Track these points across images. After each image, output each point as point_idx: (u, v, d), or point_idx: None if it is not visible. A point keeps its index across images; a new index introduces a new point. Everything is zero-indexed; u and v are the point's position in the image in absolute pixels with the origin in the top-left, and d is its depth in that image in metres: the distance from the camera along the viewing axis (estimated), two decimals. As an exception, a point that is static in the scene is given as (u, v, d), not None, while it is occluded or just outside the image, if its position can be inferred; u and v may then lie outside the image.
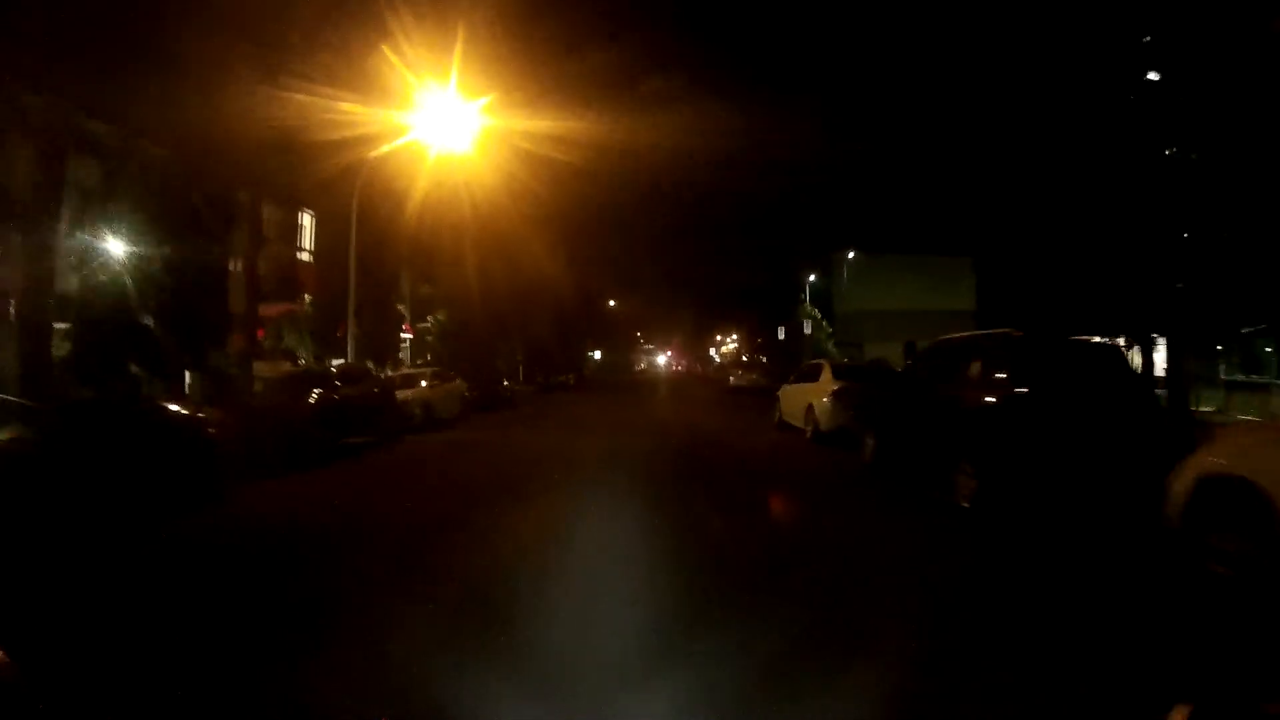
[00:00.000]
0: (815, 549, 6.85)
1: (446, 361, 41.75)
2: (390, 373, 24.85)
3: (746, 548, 6.81)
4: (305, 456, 12.79)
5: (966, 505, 8.27)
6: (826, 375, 14.65)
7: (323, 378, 15.35)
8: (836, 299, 60.72)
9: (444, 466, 12.77)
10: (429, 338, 46.84)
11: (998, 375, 8.50)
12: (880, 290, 58.09)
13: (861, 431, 11.82)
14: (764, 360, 68.67)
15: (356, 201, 24.98)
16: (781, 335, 56.35)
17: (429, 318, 46.50)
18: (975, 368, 8.95)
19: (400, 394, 18.72)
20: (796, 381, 16.44)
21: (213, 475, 10.86)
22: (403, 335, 45.09)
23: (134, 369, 22.09)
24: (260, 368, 26.24)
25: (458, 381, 22.26)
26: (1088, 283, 41.77)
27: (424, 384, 20.10)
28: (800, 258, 64.51)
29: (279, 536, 7.69)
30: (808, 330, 48.66)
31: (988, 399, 8.42)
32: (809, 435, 14.55)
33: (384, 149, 24.00)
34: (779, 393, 17.54)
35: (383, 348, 31.92)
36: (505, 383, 30.92)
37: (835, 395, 13.76)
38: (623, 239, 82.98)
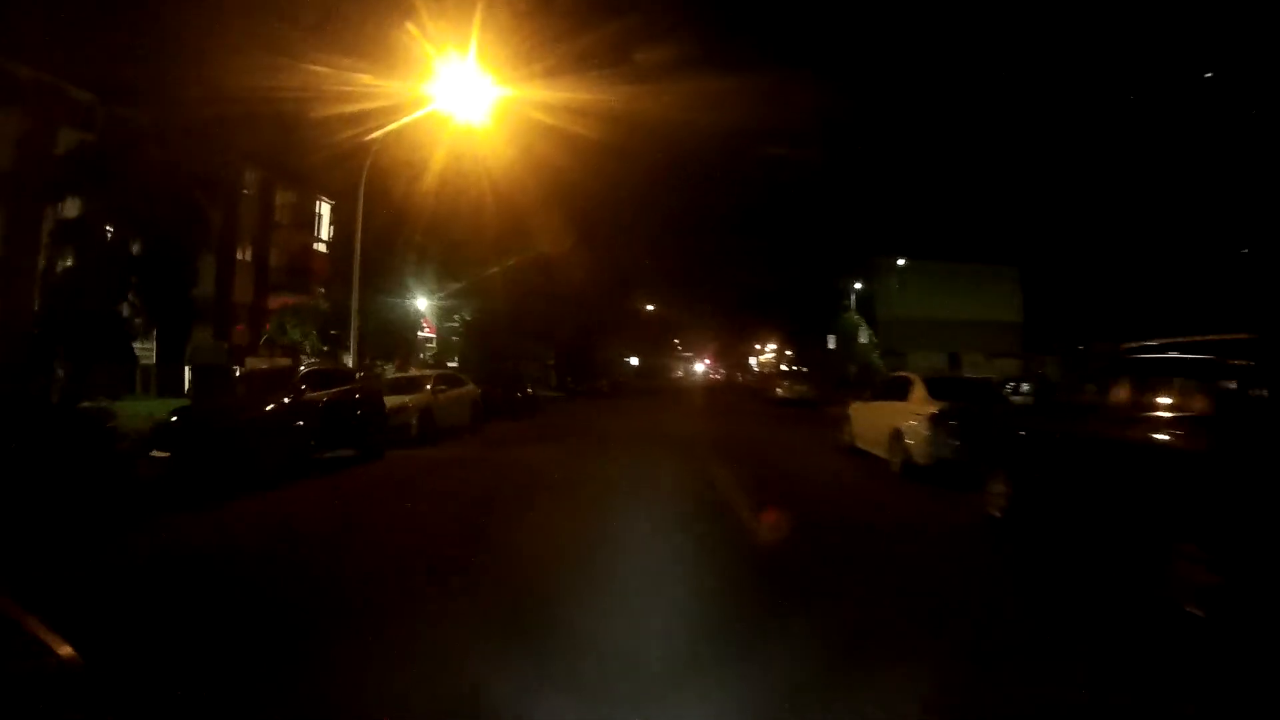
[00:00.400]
0: (970, 674, 3.89)
1: (474, 364, 39.28)
2: (394, 373, 22.04)
3: (848, 678, 3.77)
4: (252, 477, 10.02)
5: (1197, 611, 5.11)
6: (920, 392, 11.42)
7: (283, 378, 12.48)
8: (880, 307, 57.67)
9: (414, 501, 9.68)
10: (455, 338, 44.26)
11: (1257, 408, 5.32)
12: (923, 299, 55.45)
13: (981, 470, 8.64)
14: (804, 370, 65.34)
15: (364, 183, 22.27)
16: (832, 344, 52.99)
17: (455, 317, 43.99)
18: (1204, 395, 5.76)
19: (395, 400, 15.88)
20: (875, 398, 13.20)
21: (108, 497, 8.35)
22: (424, 335, 42.50)
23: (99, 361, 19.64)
24: (255, 364, 23.59)
25: (469, 386, 19.36)
26: (1147, 293, 38.84)
27: (427, 388, 17.19)
28: (842, 264, 61.70)
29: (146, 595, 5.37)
30: (863, 339, 45.28)
31: (1240, 446, 5.24)
32: (895, 468, 11.33)
33: (394, 125, 21.20)
34: (848, 410, 14.33)
35: (396, 346, 29.17)
36: (529, 389, 27.90)
37: (937, 419, 10.53)
38: (659, 240, 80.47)
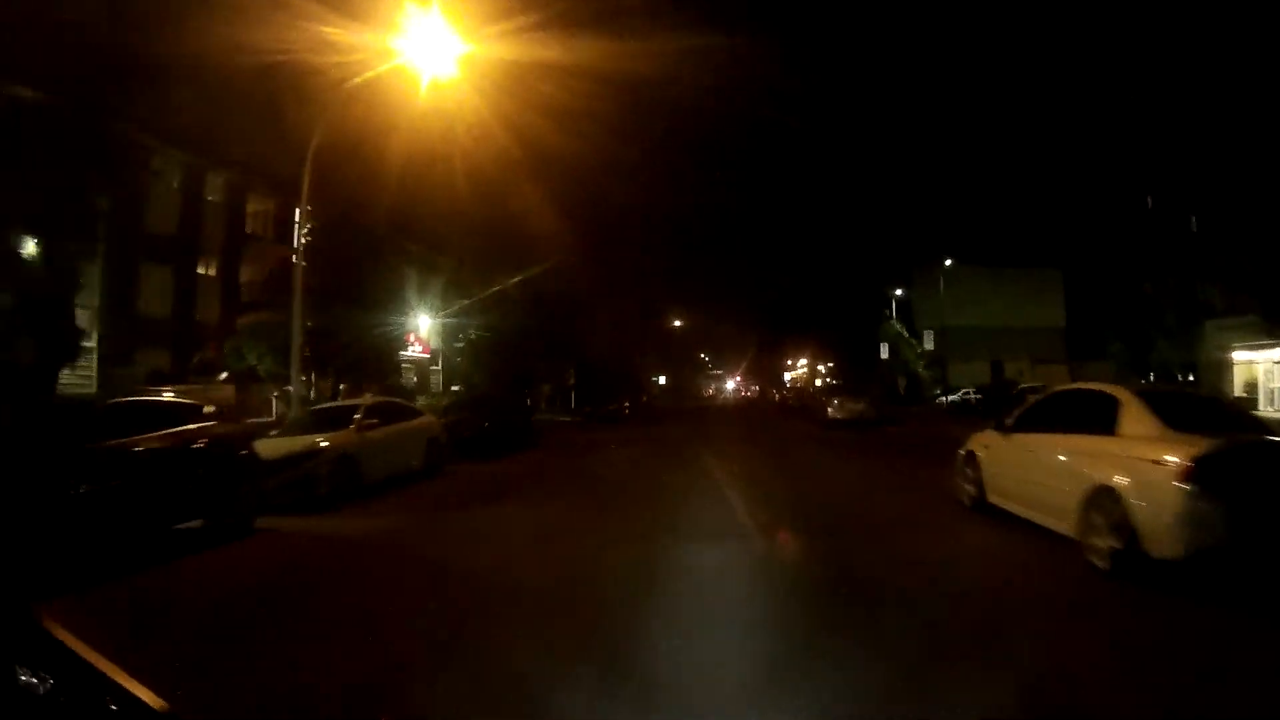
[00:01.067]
0: None
1: (481, 386, 34.63)
2: (342, 400, 17.21)
3: None
4: None
5: None
6: (1143, 419, 6.25)
7: (65, 419, 7.75)
8: (920, 315, 53.73)
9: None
10: (459, 360, 39.76)
11: None
12: (963, 305, 51.60)
13: None
14: (842, 383, 60.10)
15: (310, 163, 17.75)
16: (886, 353, 47.97)
17: (460, 335, 39.56)
18: None
19: (301, 442, 11.16)
20: (1029, 428, 7.98)
21: None
22: (417, 354, 37.94)
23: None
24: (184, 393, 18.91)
25: (423, 418, 14.40)
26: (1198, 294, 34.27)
27: (354, 420, 12.23)
28: (881, 270, 57.54)
29: None
30: (929, 345, 40.43)
31: None
32: (1099, 559, 6.13)
33: (362, 78, 16.66)
34: (971, 446, 9.14)
35: (370, 369, 24.38)
36: (527, 416, 22.91)
37: (1204, 474, 5.44)
38: (685, 251, 76.49)
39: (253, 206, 31.83)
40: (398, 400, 15.77)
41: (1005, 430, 8.29)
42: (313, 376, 25.79)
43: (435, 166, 27.35)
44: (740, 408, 58.64)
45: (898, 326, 54.72)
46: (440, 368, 42.91)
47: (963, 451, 9.38)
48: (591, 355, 49.93)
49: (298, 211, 18.09)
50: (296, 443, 11.27)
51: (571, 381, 50.89)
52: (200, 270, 29.51)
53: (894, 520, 8.82)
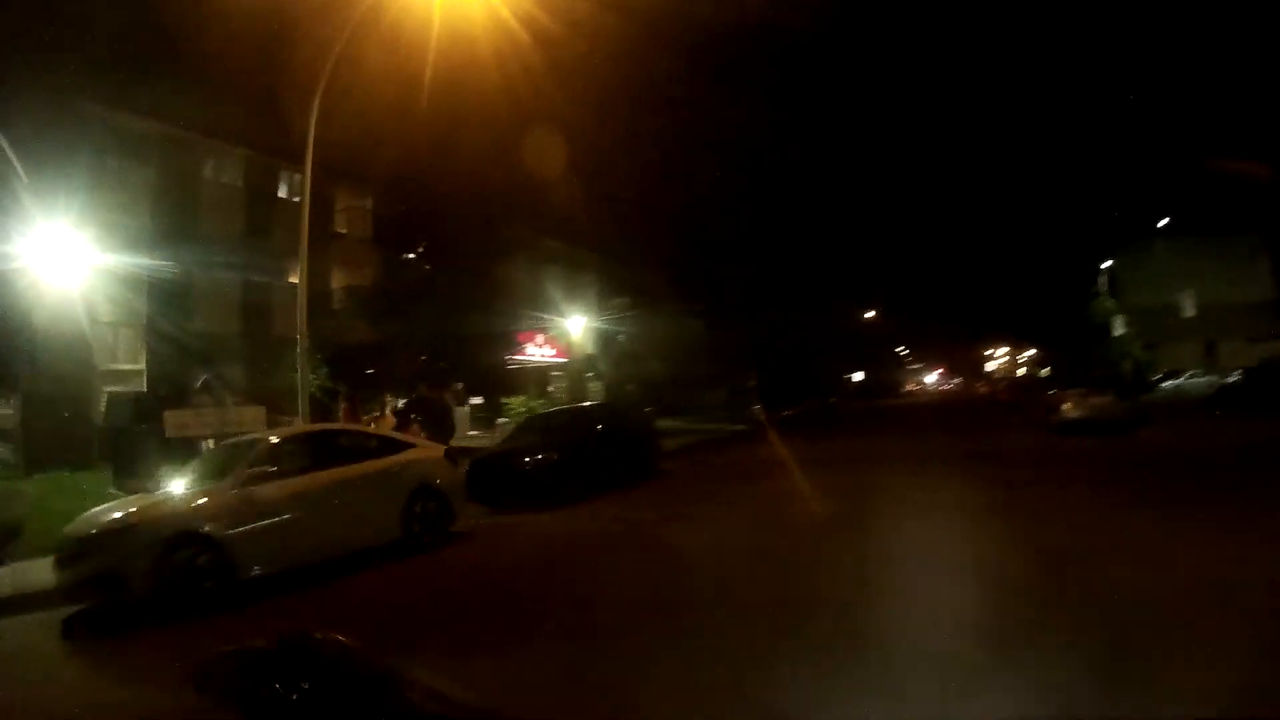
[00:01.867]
0: None
1: (635, 395, 30.25)
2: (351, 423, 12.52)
3: None
4: None
5: None
6: None
7: None
8: (1129, 291, 47.38)
9: None
10: (602, 370, 35.37)
11: None
12: (1168, 278, 44.92)
13: None
14: (1051, 371, 51.89)
15: (319, 100, 14.07)
16: (1120, 329, 40.35)
17: (613, 340, 35.48)
18: None
19: (115, 511, 6.59)
20: None
21: None
22: (538, 358, 33.10)
23: None
24: (178, 421, 14.85)
25: (406, 456, 8.80)
26: None
27: (239, 469, 7.24)
28: (1081, 244, 50.63)
29: None
30: (1190, 314, 32.51)
31: None
32: None
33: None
34: None
35: (448, 379, 19.96)
36: (640, 432, 17.30)
37: None
38: (875, 240, 69.68)
39: (342, 202, 28.29)
40: (351, 428, 10.90)
41: None
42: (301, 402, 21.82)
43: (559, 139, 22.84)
44: (945, 405, 49.91)
45: (1110, 304, 47.36)
46: (598, 374, 38.92)
47: None
48: (774, 354, 46.14)
49: (305, 173, 14.05)
50: (116, 512, 6.66)
51: (752, 384, 45.77)
52: (291, 279, 26.31)
53: None
